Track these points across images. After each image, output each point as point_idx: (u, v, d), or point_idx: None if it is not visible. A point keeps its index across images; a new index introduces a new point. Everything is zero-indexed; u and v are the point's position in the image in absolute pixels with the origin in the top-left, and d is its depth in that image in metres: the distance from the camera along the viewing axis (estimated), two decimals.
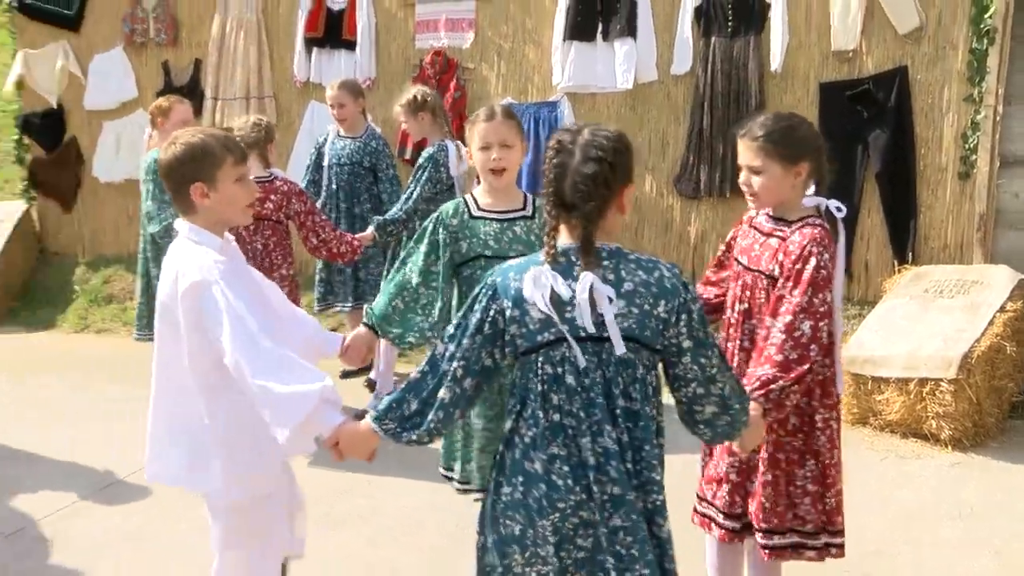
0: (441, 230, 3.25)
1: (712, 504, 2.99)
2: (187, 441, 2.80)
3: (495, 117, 3.24)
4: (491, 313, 2.29)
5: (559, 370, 2.23)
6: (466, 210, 3.28)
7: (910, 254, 5.93)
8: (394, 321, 3.24)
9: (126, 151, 8.02)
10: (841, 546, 2.94)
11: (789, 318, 2.71)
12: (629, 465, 2.23)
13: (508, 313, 2.27)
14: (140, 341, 5.61)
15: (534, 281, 2.22)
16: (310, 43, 7.41)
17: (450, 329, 2.38)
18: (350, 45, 7.30)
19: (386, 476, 4.63)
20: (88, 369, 6.65)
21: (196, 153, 2.73)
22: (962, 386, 4.66)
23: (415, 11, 7.13)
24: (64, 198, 8.48)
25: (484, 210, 3.27)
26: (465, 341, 2.31)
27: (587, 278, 2.17)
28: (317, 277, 5.86)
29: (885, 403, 4.90)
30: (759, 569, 3.04)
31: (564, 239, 2.26)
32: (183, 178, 2.74)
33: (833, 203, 2.90)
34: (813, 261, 2.73)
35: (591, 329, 2.19)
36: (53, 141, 8.34)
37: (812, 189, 2.92)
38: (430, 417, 2.35)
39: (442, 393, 2.33)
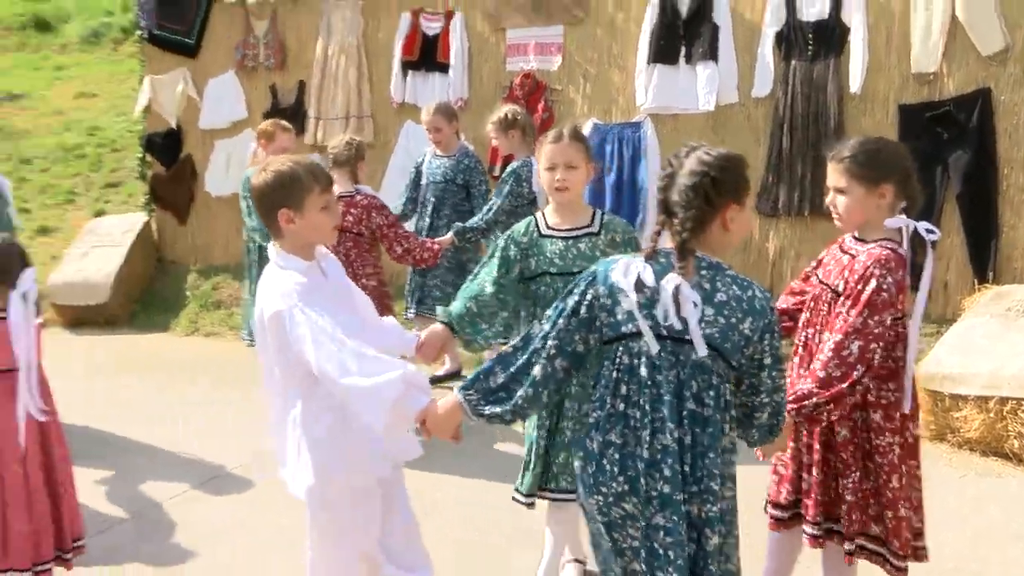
0: (512, 247, 3.30)
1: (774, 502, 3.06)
2: (286, 441, 2.91)
3: (562, 139, 3.27)
4: (587, 298, 2.34)
5: (635, 362, 2.27)
6: (535, 229, 3.31)
7: (991, 273, 5.79)
8: (467, 323, 3.27)
9: (235, 168, 8.18)
10: (904, 570, 2.89)
11: (840, 336, 2.71)
12: (687, 468, 2.24)
13: (601, 300, 2.32)
14: (251, 347, 5.75)
15: (625, 269, 2.28)
16: (406, 66, 7.54)
17: (548, 311, 2.43)
18: (444, 68, 7.40)
19: (470, 478, 4.71)
20: (197, 370, 6.83)
21: (285, 180, 2.81)
22: None
23: (506, 36, 7.22)
24: (179, 211, 8.77)
25: (552, 228, 3.29)
26: (561, 322, 2.35)
27: (674, 279, 2.21)
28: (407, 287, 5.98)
29: (963, 420, 4.76)
30: (827, 563, 3.05)
31: (666, 242, 2.31)
32: (272, 203, 2.82)
33: (923, 225, 2.86)
34: (873, 283, 2.71)
35: (676, 325, 2.22)
36: (171, 158, 8.66)
37: (902, 213, 2.88)
38: (519, 393, 2.38)
39: (536, 370, 2.36)
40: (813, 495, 2.89)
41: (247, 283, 5.94)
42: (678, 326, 2.21)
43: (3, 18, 17.69)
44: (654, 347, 2.22)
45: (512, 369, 2.39)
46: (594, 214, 3.33)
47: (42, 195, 10.27)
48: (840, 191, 2.85)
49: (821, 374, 2.69)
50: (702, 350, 2.20)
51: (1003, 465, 4.68)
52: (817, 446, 2.88)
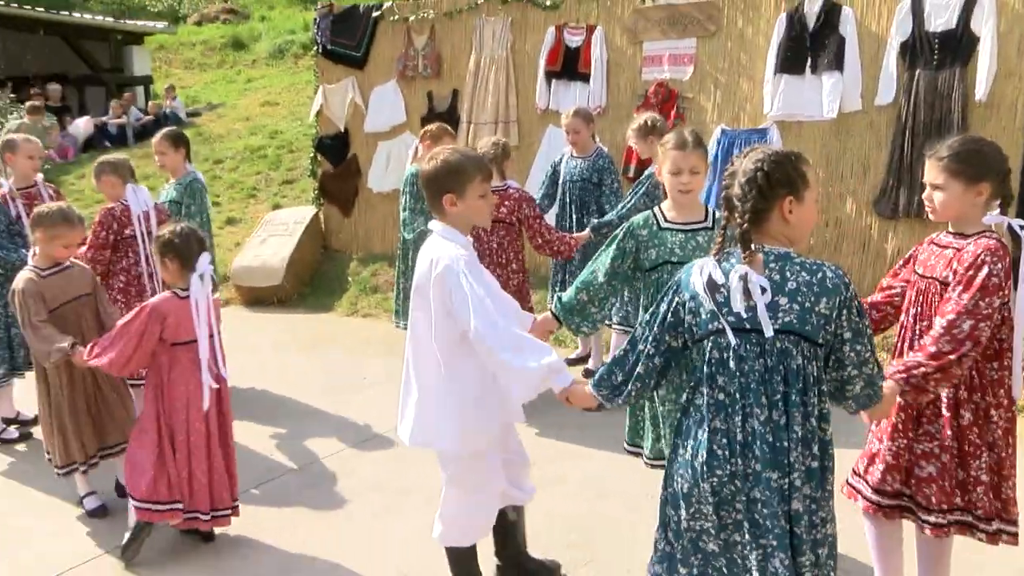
0: (630, 239, 3.32)
1: (863, 478, 3.00)
2: (429, 404, 3.05)
3: (687, 146, 3.28)
4: (674, 305, 2.45)
5: (725, 355, 2.33)
6: (655, 222, 3.33)
7: None
8: (575, 311, 3.31)
9: (394, 166, 8.52)
10: (1015, 535, 2.88)
11: (952, 316, 2.71)
12: (783, 444, 2.28)
13: (687, 305, 2.41)
14: (399, 328, 6.07)
15: (699, 270, 2.36)
16: (550, 75, 7.63)
17: (646, 316, 2.55)
18: (584, 77, 7.44)
19: (576, 445, 4.86)
20: (356, 345, 7.12)
21: (452, 168, 2.97)
22: None
23: (643, 48, 7.22)
24: (344, 205, 9.07)
25: (671, 222, 3.32)
26: (656, 328, 2.48)
27: (740, 269, 2.28)
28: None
29: None
30: (926, 548, 3.02)
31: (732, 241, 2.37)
32: (439, 187, 2.98)
33: (1017, 221, 2.87)
34: (985, 269, 2.71)
35: (743, 314, 2.27)
36: (339, 158, 8.99)
37: (996, 209, 2.87)
38: (630, 387, 2.53)
39: (639, 368, 2.51)
40: (941, 482, 2.85)
41: (400, 270, 6.13)
42: (746, 317, 2.26)
43: (209, 39, 18.96)
44: (732, 340, 2.28)
45: (626, 368, 2.55)
46: (707, 210, 3.38)
47: (230, 190, 10.73)
48: (936, 187, 2.85)
49: (932, 348, 2.71)
50: (769, 330, 2.24)
51: None
52: (949, 431, 2.84)
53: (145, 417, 3.77)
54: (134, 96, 15.13)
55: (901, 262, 3.14)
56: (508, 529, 3.42)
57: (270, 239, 8.78)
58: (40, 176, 5.62)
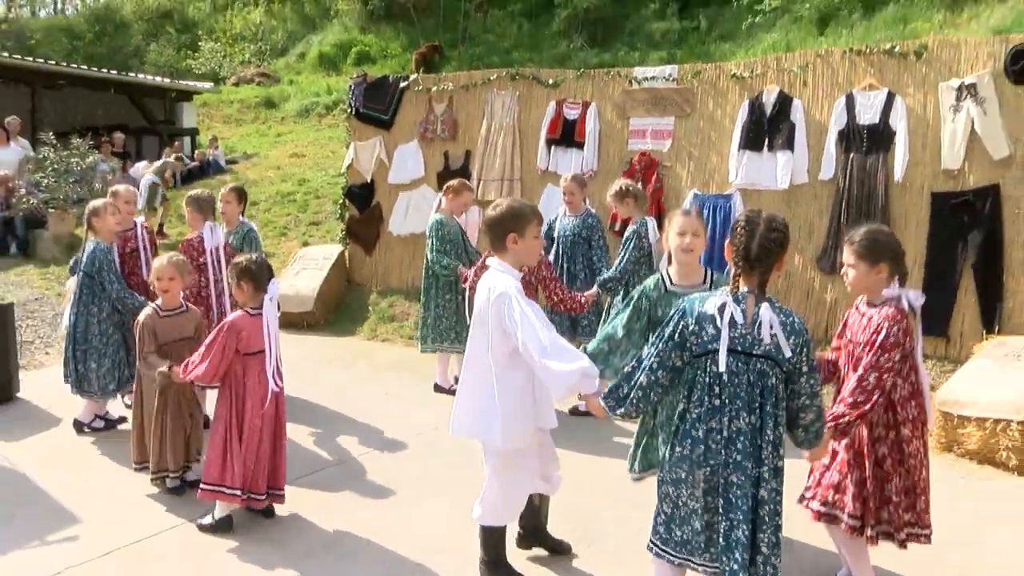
0: (644, 300, 3.44)
1: (836, 507, 3.27)
2: (481, 407, 3.24)
3: (691, 214, 3.53)
4: (680, 327, 2.69)
5: (720, 369, 2.62)
6: (663, 285, 3.47)
7: (997, 327, 6.01)
8: (599, 359, 3.33)
9: (412, 214, 8.93)
10: (928, 536, 3.24)
11: (861, 371, 3.07)
12: (758, 442, 2.59)
13: (691, 328, 2.66)
14: (424, 352, 6.48)
15: (720, 307, 2.62)
16: (550, 142, 8.04)
17: (653, 337, 2.81)
18: (579, 145, 7.86)
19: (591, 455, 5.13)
20: (377, 364, 7.42)
21: (515, 212, 3.21)
22: None
23: (629, 123, 7.70)
24: (367, 245, 9.37)
25: (677, 285, 3.46)
26: (660, 344, 2.72)
27: (767, 310, 2.61)
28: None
29: (967, 436, 5.02)
30: (859, 553, 3.31)
31: (743, 284, 2.66)
32: (504, 228, 3.18)
33: (912, 294, 3.17)
34: (884, 331, 3.05)
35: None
36: (364, 205, 9.36)
37: (896, 284, 3.18)
38: (632, 394, 2.76)
39: (642, 378, 2.73)
40: (868, 499, 3.15)
41: (423, 302, 6.36)
42: (768, 342, 2.57)
43: (245, 98, 19.65)
44: (723, 364, 2.58)
45: (631, 381, 2.78)
46: (706, 273, 3.55)
47: (264, 229, 10.79)
48: (850, 266, 3.21)
49: (849, 399, 3.06)
50: (787, 351, 2.58)
51: (994, 471, 4.93)
52: (868, 462, 3.15)
53: (218, 416, 4.04)
54: (182, 145, 15.84)
55: (841, 326, 3.43)
56: (533, 509, 3.70)
57: (303, 272, 9.09)
58: (140, 219, 6.06)
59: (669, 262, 3.56)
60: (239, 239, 5.95)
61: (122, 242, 5.75)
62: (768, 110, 6.98)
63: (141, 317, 4.48)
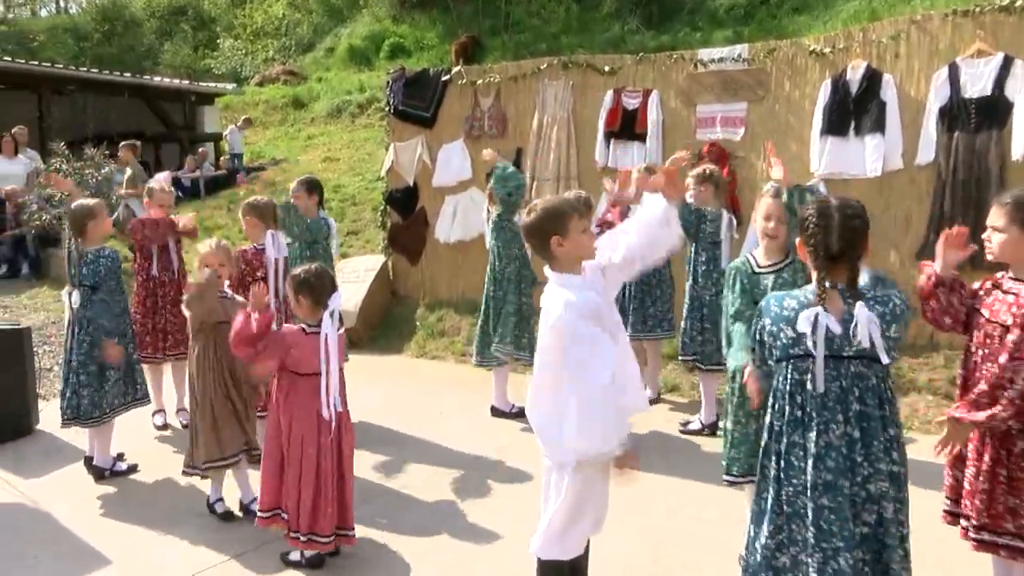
0: (740, 277, 3.89)
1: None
2: (548, 419, 3.23)
3: (779, 196, 3.75)
4: (757, 329, 2.79)
5: (804, 377, 2.61)
6: (750, 268, 3.91)
7: None
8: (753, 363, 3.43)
9: (460, 218, 9.00)
10: None
11: (1005, 356, 2.95)
12: (858, 458, 2.53)
13: (768, 329, 2.71)
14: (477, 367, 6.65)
15: (811, 320, 2.59)
16: (609, 135, 8.03)
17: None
18: (641, 137, 7.84)
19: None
20: (428, 383, 7.52)
21: (551, 212, 3.13)
22: None
23: (696, 110, 7.64)
24: (412, 254, 9.45)
25: (761, 268, 3.89)
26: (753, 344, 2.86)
27: (863, 308, 2.56)
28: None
29: None
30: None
31: (829, 281, 2.62)
32: (543, 233, 3.11)
33: None
34: None
35: (860, 342, 2.53)
36: (407, 211, 9.46)
37: None
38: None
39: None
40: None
41: (482, 309, 6.52)
42: (863, 342, 2.53)
43: (271, 99, 19.96)
44: (820, 383, 2.56)
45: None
46: (787, 252, 3.89)
47: None
48: (997, 229, 3.11)
49: (984, 387, 2.97)
50: (885, 358, 2.53)
51: None
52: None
53: (268, 437, 4.13)
54: (207, 152, 16.13)
55: (978, 286, 3.27)
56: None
57: (343, 285, 8.82)
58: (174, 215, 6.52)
59: (731, 245, 3.87)
60: (308, 233, 6.17)
61: (159, 238, 6.18)
62: (854, 89, 6.86)
63: (192, 289, 4.69)
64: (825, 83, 7.01)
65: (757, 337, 2.78)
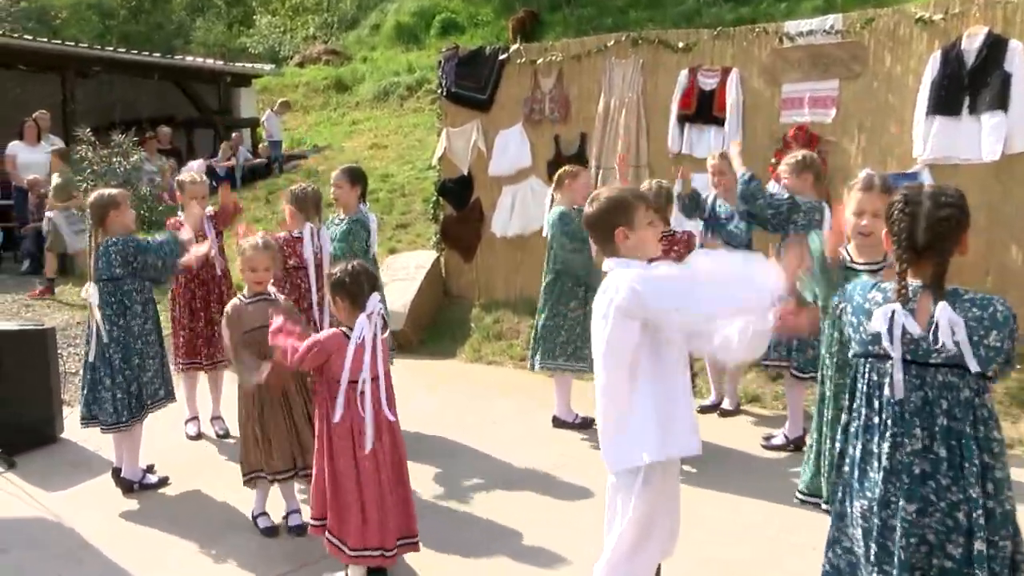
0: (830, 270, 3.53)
1: None
2: (607, 424, 3.13)
3: (873, 189, 3.42)
4: (838, 311, 2.67)
5: (883, 380, 2.47)
6: (842, 260, 3.52)
7: None
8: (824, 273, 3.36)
9: (519, 210, 8.70)
10: None
11: None
12: (944, 480, 2.37)
13: (848, 315, 2.58)
14: (535, 371, 6.36)
15: (888, 317, 2.44)
16: (683, 118, 7.69)
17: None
18: (719, 121, 7.50)
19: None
20: (483, 389, 7.29)
21: (616, 204, 3.08)
22: None
23: (781, 90, 7.27)
24: (466, 250, 9.19)
25: (855, 263, 3.51)
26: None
27: (946, 309, 2.37)
28: None
29: None
30: None
31: (911, 279, 2.47)
32: (608, 225, 3.06)
33: None
34: None
35: (950, 348, 2.35)
36: (461, 202, 9.17)
37: None
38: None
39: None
40: None
41: (539, 309, 6.25)
42: (952, 349, 2.35)
43: (312, 81, 19.65)
44: (899, 391, 2.41)
45: None
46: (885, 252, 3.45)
47: None
48: None
49: None
50: (973, 366, 2.34)
51: None
52: None
53: (317, 448, 3.97)
54: (242, 137, 15.75)
55: None
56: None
57: (391, 283, 8.87)
58: (209, 208, 6.30)
59: (848, 239, 3.58)
60: (343, 230, 5.86)
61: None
62: (970, 60, 6.31)
63: (228, 308, 4.56)
64: (934, 55, 6.52)
65: (838, 317, 2.66)
